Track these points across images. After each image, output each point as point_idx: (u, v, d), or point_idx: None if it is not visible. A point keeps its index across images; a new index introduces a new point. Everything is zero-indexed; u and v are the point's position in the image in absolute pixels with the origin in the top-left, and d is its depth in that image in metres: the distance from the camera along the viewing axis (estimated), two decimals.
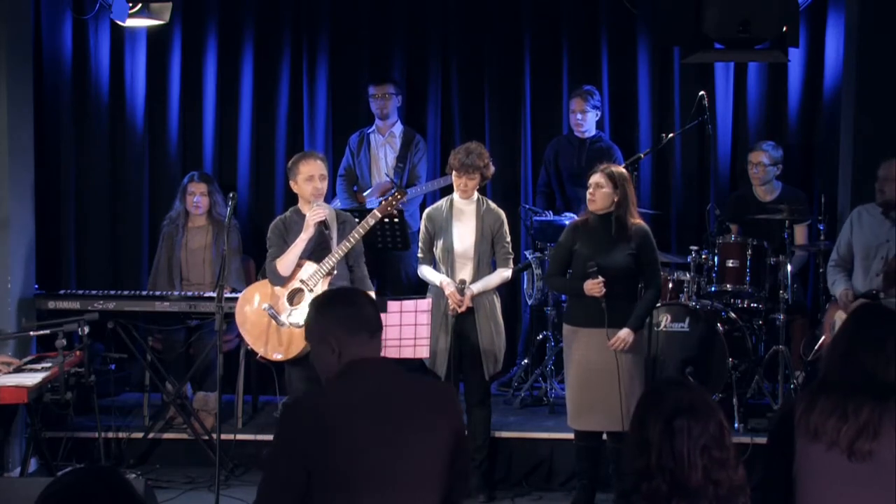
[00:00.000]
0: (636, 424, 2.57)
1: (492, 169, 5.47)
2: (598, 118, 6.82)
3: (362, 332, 2.80)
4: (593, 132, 6.81)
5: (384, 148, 6.92)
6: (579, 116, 6.73)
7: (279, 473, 2.68)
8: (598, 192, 5.15)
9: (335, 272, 5.16)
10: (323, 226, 5.24)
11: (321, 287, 5.09)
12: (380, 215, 5.08)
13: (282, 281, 5.21)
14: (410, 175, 6.83)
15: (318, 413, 2.69)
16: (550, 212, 6.59)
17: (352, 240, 5.15)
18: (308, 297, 5.07)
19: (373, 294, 5.31)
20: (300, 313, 5.08)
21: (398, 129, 6.93)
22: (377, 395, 2.74)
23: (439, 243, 5.47)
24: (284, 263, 5.19)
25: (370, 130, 6.96)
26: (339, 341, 2.78)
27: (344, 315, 2.81)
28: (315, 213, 5.18)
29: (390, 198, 5.14)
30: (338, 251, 5.13)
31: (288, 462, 2.66)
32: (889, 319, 3.22)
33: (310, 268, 5.19)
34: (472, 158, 5.37)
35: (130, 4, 6.20)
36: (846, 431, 2.97)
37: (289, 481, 2.65)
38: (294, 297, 5.19)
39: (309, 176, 5.22)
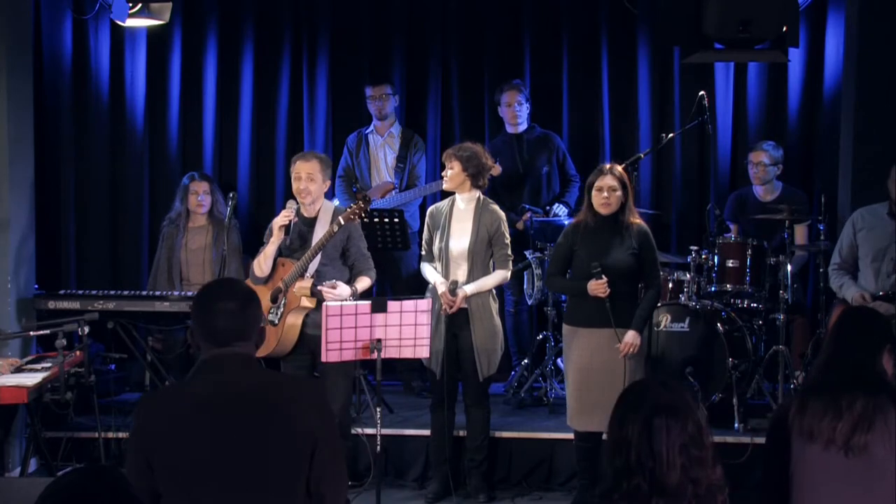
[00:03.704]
0: (615, 423, 2.60)
1: (479, 164, 5.40)
2: (528, 111, 6.79)
3: (209, 341, 2.75)
4: (526, 125, 6.79)
5: (383, 149, 6.91)
6: (516, 108, 6.69)
7: (131, 461, 2.73)
8: (613, 195, 5.13)
9: (311, 273, 5.18)
10: (306, 226, 5.26)
11: (298, 286, 5.14)
12: (343, 222, 5.10)
13: (260, 280, 5.28)
14: (410, 175, 6.83)
15: (167, 404, 2.74)
16: (541, 210, 6.59)
17: (318, 244, 5.16)
18: (283, 299, 5.20)
19: (367, 282, 5.32)
20: (276, 313, 5.21)
21: (396, 129, 6.92)
22: (225, 390, 2.71)
23: (437, 242, 5.48)
24: (258, 264, 5.28)
25: (368, 131, 6.95)
26: (196, 338, 2.83)
27: (199, 318, 2.78)
28: (281, 215, 5.24)
29: (353, 206, 5.12)
30: (309, 253, 5.16)
31: (136, 450, 2.71)
32: (877, 322, 3.25)
33: (291, 269, 5.24)
34: (456, 148, 5.45)
35: (130, 4, 6.20)
36: (842, 429, 3.00)
37: (138, 468, 2.68)
38: (276, 296, 5.23)
39: (296, 175, 5.28)
